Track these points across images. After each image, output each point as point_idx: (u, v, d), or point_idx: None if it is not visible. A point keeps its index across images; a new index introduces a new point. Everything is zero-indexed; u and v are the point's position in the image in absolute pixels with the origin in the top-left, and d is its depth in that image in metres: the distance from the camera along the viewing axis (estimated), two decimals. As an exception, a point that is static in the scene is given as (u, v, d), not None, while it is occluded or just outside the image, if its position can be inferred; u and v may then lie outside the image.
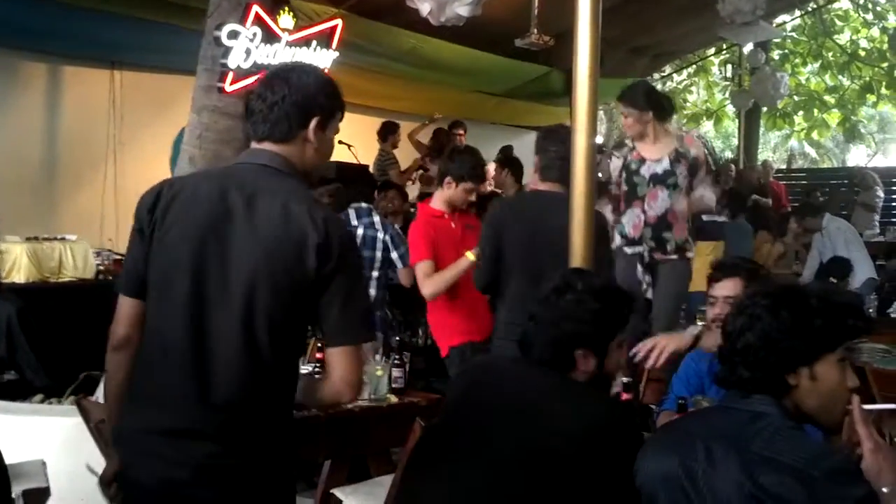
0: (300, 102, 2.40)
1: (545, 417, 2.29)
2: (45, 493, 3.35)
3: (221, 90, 4.97)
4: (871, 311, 7.29)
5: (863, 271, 8.21)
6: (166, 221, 2.30)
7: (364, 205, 5.80)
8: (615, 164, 5.36)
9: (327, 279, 2.23)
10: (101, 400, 4.94)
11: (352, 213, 5.73)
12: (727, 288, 3.46)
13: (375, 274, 5.64)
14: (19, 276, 6.14)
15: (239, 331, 2.21)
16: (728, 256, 4.06)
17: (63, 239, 6.56)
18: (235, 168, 2.44)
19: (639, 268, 5.21)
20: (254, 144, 2.43)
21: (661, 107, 5.31)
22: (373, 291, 5.54)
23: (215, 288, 2.23)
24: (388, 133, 9.72)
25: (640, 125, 5.21)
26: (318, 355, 3.94)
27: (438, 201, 4.87)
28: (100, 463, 3.58)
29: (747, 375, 2.08)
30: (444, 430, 2.49)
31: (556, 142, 4.19)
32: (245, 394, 2.22)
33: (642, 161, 5.21)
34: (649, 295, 5.24)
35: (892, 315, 7.23)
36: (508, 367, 2.59)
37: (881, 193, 12.43)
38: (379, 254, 5.63)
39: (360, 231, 5.66)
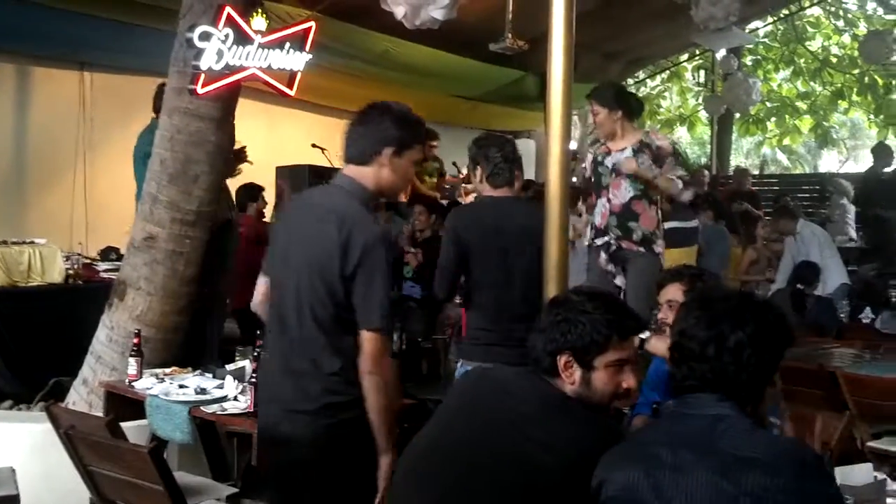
0: (376, 131, 2.95)
1: (536, 432, 2.25)
2: (14, 500, 3.30)
3: (193, 92, 4.91)
4: (843, 316, 7.35)
5: (836, 277, 8.26)
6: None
7: None
8: (588, 159, 5.51)
9: (352, 275, 2.81)
10: (71, 406, 4.91)
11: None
12: (669, 292, 3.60)
13: None
14: (-13, 281, 6.06)
15: (295, 312, 2.91)
16: (682, 265, 4.11)
17: (32, 243, 6.47)
18: (321, 187, 3.24)
19: (602, 255, 5.28)
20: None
21: (629, 106, 5.44)
22: None
23: (283, 280, 2.99)
24: None
25: (610, 123, 5.32)
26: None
27: None
28: (68, 470, 3.54)
29: (710, 378, 2.09)
30: (436, 436, 2.46)
31: (494, 147, 4.19)
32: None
33: (608, 153, 5.34)
34: (617, 282, 5.34)
35: (864, 321, 7.27)
36: (508, 378, 2.51)
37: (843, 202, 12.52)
38: None
39: None
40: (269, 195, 8.19)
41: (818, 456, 2.06)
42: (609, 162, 5.32)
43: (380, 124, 2.98)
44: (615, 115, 5.29)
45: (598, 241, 5.35)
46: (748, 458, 1.93)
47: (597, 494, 2.10)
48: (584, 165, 5.61)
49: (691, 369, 2.12)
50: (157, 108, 5.49)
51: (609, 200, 5.31)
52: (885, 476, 3.08)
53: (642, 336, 3.39)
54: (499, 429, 2.30)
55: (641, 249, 5.25)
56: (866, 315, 7.36)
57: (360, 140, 2.98)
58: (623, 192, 5.26)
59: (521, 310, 3.92)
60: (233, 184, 6.72)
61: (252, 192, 7.68)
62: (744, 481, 1.90)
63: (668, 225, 6.23)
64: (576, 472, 2.15)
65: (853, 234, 11.70)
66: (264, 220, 7.71)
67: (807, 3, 14.07)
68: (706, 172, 12.49)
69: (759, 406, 2.17)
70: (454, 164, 9.70)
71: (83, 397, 5.10)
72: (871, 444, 4.78)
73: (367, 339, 2.81)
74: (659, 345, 3.43)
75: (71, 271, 6.62)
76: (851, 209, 11.87)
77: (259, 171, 7.96)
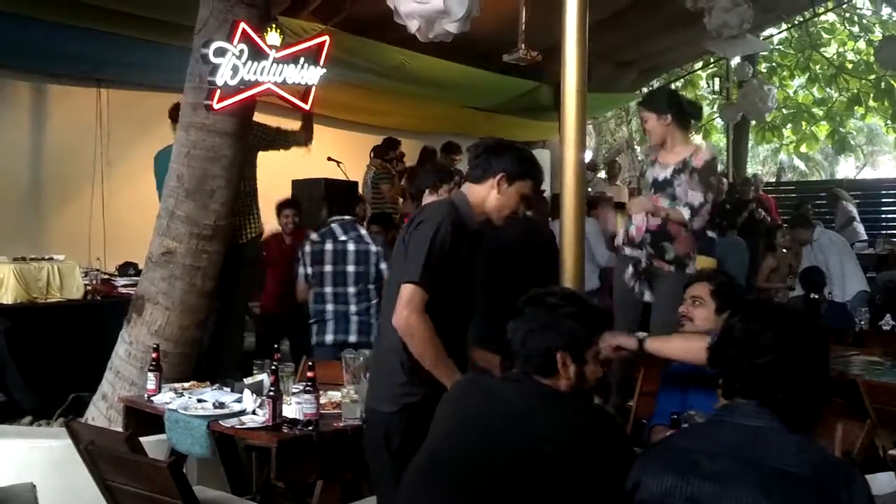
0: (492, 157, 3.31)
1: (535, 427, 2.32)
2: (33, 516, 3.32)
3: (209, 108, 4.94)
4: (863, 323, 7.29)
5: (855, 284, 8.22)
6: None
7: (347, 217, 5.80)
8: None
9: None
10: (91, 421, 4.92)
11: (336, 227, 5.71)
12: (695, 289, 3.66)
13: (372, 287, 5.64)
14: (7, 297, 6.08)
15: None
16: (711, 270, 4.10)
17: (51, 259, 6.51)
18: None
19: (629, 270, 5.15)
20: None
21: (681, 110, 5.16)
22: (374, 301, 5.63)
23: None
24: (388, 149, 9.74)
25: (661, 129, 5.09)
26: (309, 374, 3.92)
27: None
28: (88, 485, 3.55)
29: (781, 397, 2.09)
30: (439, 444, 2.51)
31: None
32: None
33: (653, 163, 5.17)
34: (645, 298, 5.16)
35: (885, 328, 7.22)
36: (496, 383, 2.61)
37: (851, 207, 12.53)
38: (373, 268, 5.64)
39: (350, 247, 5.65)
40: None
41: (862, 476, 2.01)
42: (650, 175, 5.16)
43: (501, 154, 3.33)
44: (664, 120, 5.04)
45: (629, 252, 5.15)
46: (791, 473, 1.91)
47: (631, 495, 2.12)
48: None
49: (733, 373, 2.15)
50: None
51: (647, 217, 5.09)
52: (907, 484, 3.06)
53: (640, 335, 3.39)
54: (500, 433, 2.34)
55: (672, 269, 5.06)
56: (886, 322, 7.29)
57: (482, 164, 3.33)
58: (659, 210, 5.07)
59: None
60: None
61: (277, 208, 7.62)
62: (785, 497, 1.88)
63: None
64: (581, 459, 2.25)
65: (863, 232, 11.72)
66: (290, 234, 7.43)
67: (821, 10, 14.03)
68: (725, 181, 12.43)
69: (812, 421, 2.15)
70: None
71: (102, 412, 5.11)
72: (892, 452, 4.73)
73: (401, 289, 3.16)
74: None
75: (89, 287, 6.66)
76: (855, 211, 11.93)
77: (275, 184, 7.98)
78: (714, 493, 1.95)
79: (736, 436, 2.04)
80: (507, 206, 3.34)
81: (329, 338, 5.62)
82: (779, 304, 2.45)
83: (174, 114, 5.50)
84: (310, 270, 5.71)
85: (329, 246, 5.69)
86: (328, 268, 5.66)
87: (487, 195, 3.31)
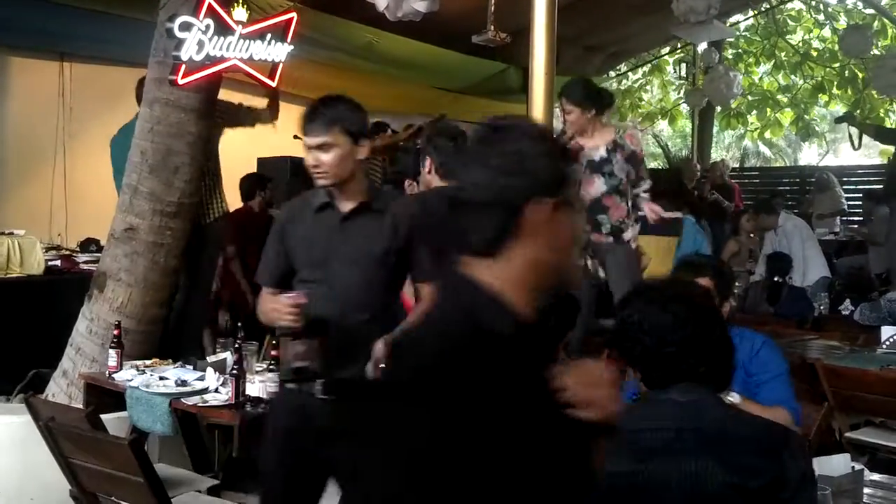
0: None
1: None
2: (-9, 492, 3.29)
3: (174, 83, 4.89)
4: (822, 308, 7.39)
5: (817, 270, 8.32)
6: None
7: None
8: None
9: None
10: (51, 398, 4.88)
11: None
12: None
13: None
14: (-35, 272, 6.02)
15: None
16: (694, 255, 4.10)
17: (11, 234, 6.43)
18: None
19: None
20: None
21: (601, 101, 5.41)
22: None
23: None
24: (375, 133, 9.48)
25: (583, 120, 5.30)
26: (273, 353, 3.91)
27: None
28: (48, 462, 3.52)
29: (703, 370, 2.13)
30: None
31: (444, 138, 4.22)
32: None
33: (580, 149, 5.30)
34: (601, 274, 5.42)
35: (844, 313, 7.32)
36: None
37: (842, 199, 12.47)
38: None
39: None
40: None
41: (799, 436, 2.09)
42: (583, 158, 5.30)
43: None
44: (588, 113, 5.28)
45: None
46: (734, 438, 1.98)
47: None
48: None
49: (653, 364, 2.16)
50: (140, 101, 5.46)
51: (582, 192, 5.31)
52: (862, 466, 3.11)
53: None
54: None
55: (610, 240, 5.31)
56: (846, 307, 7.40)
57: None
58: (596, 189, 5.29)
59: None
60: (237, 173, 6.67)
61: (262, 181, 7.50)
62: (725, 457, 1.94)
63: None
64: None
65: (838, 225, 11.81)
66: (268, 211, 7.39)
67: (787, -3, 14.16)
68: (698, 165, 12.49)
69: (731, 374, 2.24)
70: None
71: (63, 389, 5.07)
72: (849, 434, 4.82)
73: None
74: None
75: (51, 263, 6.59)
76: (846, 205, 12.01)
77: (240, 162, 7.93)
78: (663, 467, 1.98)
79: (675, 410, 2.07)
80: None
81: None
82: (661, 284, 2.42)
83: (140, 92, 5.43)
84: None
85: None
86: None
87: None
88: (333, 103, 3.12)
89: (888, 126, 13.64)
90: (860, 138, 11.90)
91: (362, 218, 3.17)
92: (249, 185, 7.31)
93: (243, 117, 5.96)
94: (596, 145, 5.32)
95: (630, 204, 5.42)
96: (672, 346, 2.11)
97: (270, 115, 6.10)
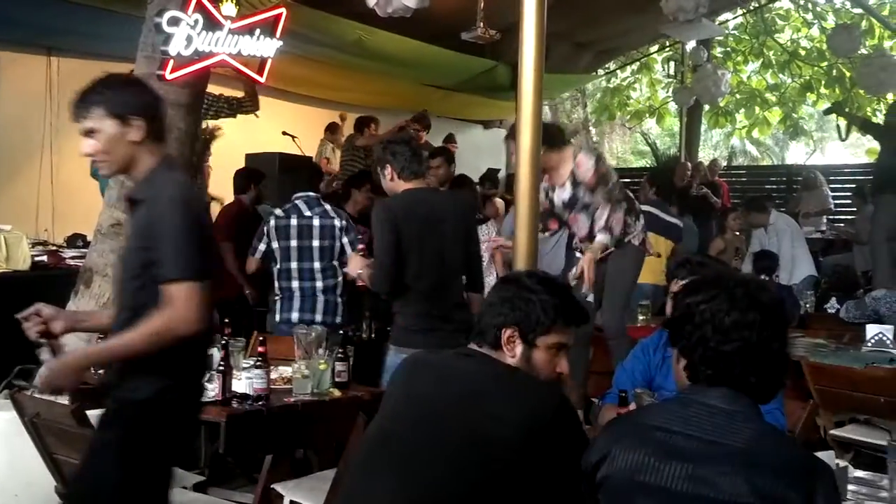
0: None
1: (488, 405, 2.25)
2: (-24, 489, 3.27)
3: (161, 78, 4.88)
4: (808, 306, 7.43)
5: (804, 268, 8.37)
6: None
7: (312, 194, 5.75)
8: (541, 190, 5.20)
9: None
10: (36, 394, 4.85)
11: (301, 203, 5.66)
12: (679, 285, 3.44)
13: (336, 263, 5.61)
14: (-49, 267, 5.99)
15: None
16: (688, 254, 4.09)
17: (-3, 229, 6.41)
18: None
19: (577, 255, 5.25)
20: None
21: (557, 140, 5.09)
22: (340, 279, 5.63)
23: None
24: (362, 126, 9.45)
25: (561, 163, 5.08)
26: (260, 349, 3.91)
27: None
28: (33, 458, 3.51)
29: (753, 380, 2.05)
30: (388, 424, 2.42)
31: (401, 144, 4.28)
32: None
33: (552, 187, 5.19)
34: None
35: (830, 311, 7.36)
36: (445, 360, 2.52)
37: (829, 199, 12.46)
38: (338, 242, 5.62)
39: (315, 222, 5.61)
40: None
41: (826, 465, 2.00)
42: (557, 199, 5.15)
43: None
44: (563, 153, 5.05)
45: (578, 256, 5.23)
46: (759, 457, 1.91)
47: (595, 468, 2.07)
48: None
49: (703, 360, 2.07)
50: None
51: (573, 234, 5.31)
52: (846, 463, 3.13)
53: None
54: (451, 411, 2.27)
55: (612, 249, 5.13)
56: (832, 305, 7.44)
57: None
58: (583, 224, 5.14)
59: (457, 293, 4.29)
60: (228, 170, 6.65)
61: (256, 176, 7.35)
62: (755, 480, 1.88)
63: (645, 207, 6.29)
64: (535, 440, 2.18)
65: (824, 224, 11.84)
66: (258, 206, 7.29)
67: (776, -4, 14.21)
68: (689, 165, 12.45)
69: (776, 391, 2.12)
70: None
71: (49, 385, 5.05)
72: (833, 432, 4.85)
73: None
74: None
75: (37, 258, 6.56)
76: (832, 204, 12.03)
77: (229, 158, 7.91)
78: (689, 475, 1.93)
79: (710, 417, 2.00)
80: None
81: (295, 315, 5.57)
82: (737, 278, 2.26)
83: None
84: (275, 245, 5.65)
85: (294, 221, 5.63)
86: (293, 243, 5.61)
87: None
88: (97, 85, 2.84)
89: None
90: (848, 129, 11.90)
91: (135, 208, 2.90)
92: (243, 179, 7.28)
93: (224, 108, 5.96)
94: (561, 183, 5.12)
95: (625, 207, 5.16)
96: (732, 345, 2.02)
97: (250, 106, 6.11)
